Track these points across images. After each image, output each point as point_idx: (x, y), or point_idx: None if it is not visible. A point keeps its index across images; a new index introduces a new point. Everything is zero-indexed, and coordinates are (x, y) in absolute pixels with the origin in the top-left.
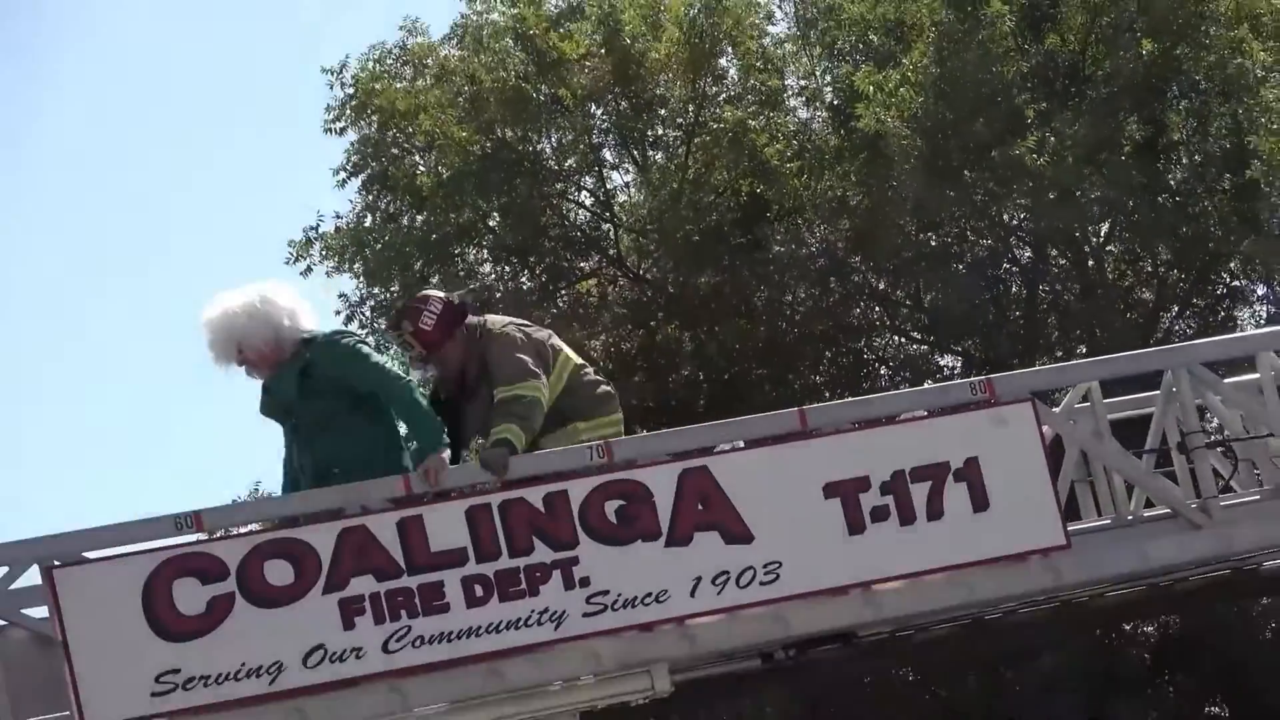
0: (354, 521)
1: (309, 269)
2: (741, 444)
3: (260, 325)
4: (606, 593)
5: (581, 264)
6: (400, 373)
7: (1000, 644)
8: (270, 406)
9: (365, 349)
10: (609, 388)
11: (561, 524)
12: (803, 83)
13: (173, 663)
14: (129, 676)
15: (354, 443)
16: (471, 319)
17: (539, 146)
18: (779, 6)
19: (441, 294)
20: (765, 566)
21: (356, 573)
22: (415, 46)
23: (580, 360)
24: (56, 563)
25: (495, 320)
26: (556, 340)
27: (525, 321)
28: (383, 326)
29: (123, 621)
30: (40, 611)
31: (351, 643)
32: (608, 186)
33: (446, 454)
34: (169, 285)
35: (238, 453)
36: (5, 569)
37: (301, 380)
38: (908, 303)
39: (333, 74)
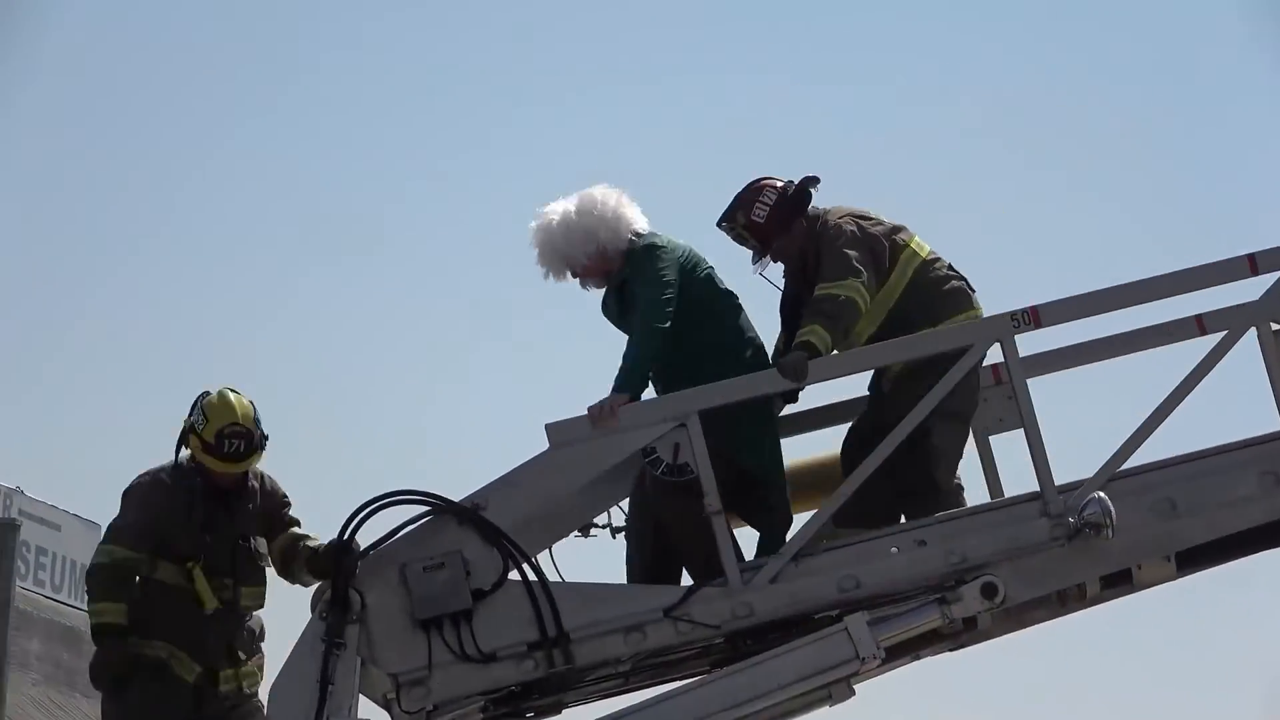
0: None
1: None
2: None
3: (580, 236)
4: None
5: None
6: (666, 300)
7: None
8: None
9: (662, 259)
10: (961, 282)
11: None
12: None
13: None
14: None
15: (677, 354)
16: (814, 208)
17: None
18: None
19: (779, 182)
20: None
21: None
22: None
23: (932, 253)
24: None
25: (835, 210)
26: (906, 233)
27: (867, 212)
28: (716, 221)
29: None
30: None
31: None
32: None
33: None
34: None
35: None
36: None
37: (619, 295)
38: None
39: None
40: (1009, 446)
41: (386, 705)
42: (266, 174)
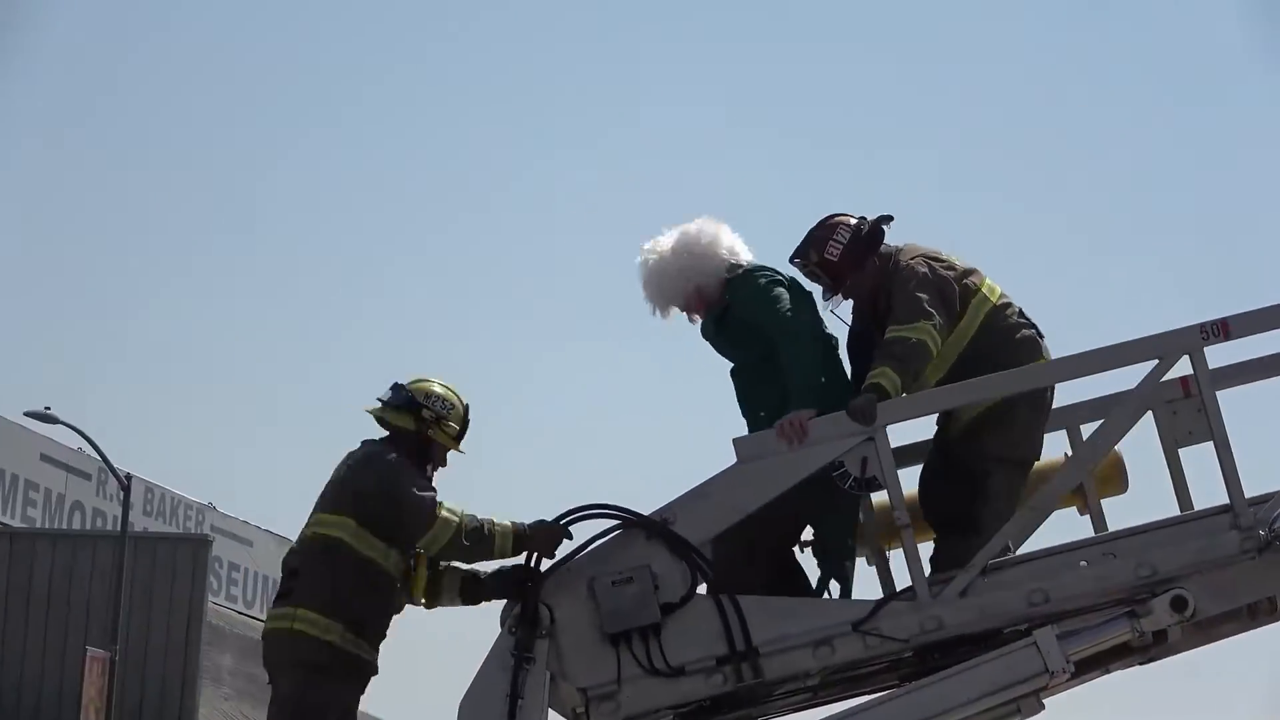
0: None
1: None
2: None
3: (675, 275)
4: None
5: None
6: (787, 311)
7: None
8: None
9: (778, 288)
10: (1033, 331)
11: None
12: None
13: None
14: None
15: (774, 390)
16: (886, 246)
17: None
18: None
19: (853, 219)
20: None
21: None
22: None
23: (1004, 298)
24: None
25: (908, 250)
26: (977, 276)
27: (940, 253)
28: (789, 257)
29: None
30: None
31: None
32: None
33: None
34: None
35: None
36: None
37: (719, 325)
38: None
39: None
40: (1199, 459)
41: (575, 719)
42: None
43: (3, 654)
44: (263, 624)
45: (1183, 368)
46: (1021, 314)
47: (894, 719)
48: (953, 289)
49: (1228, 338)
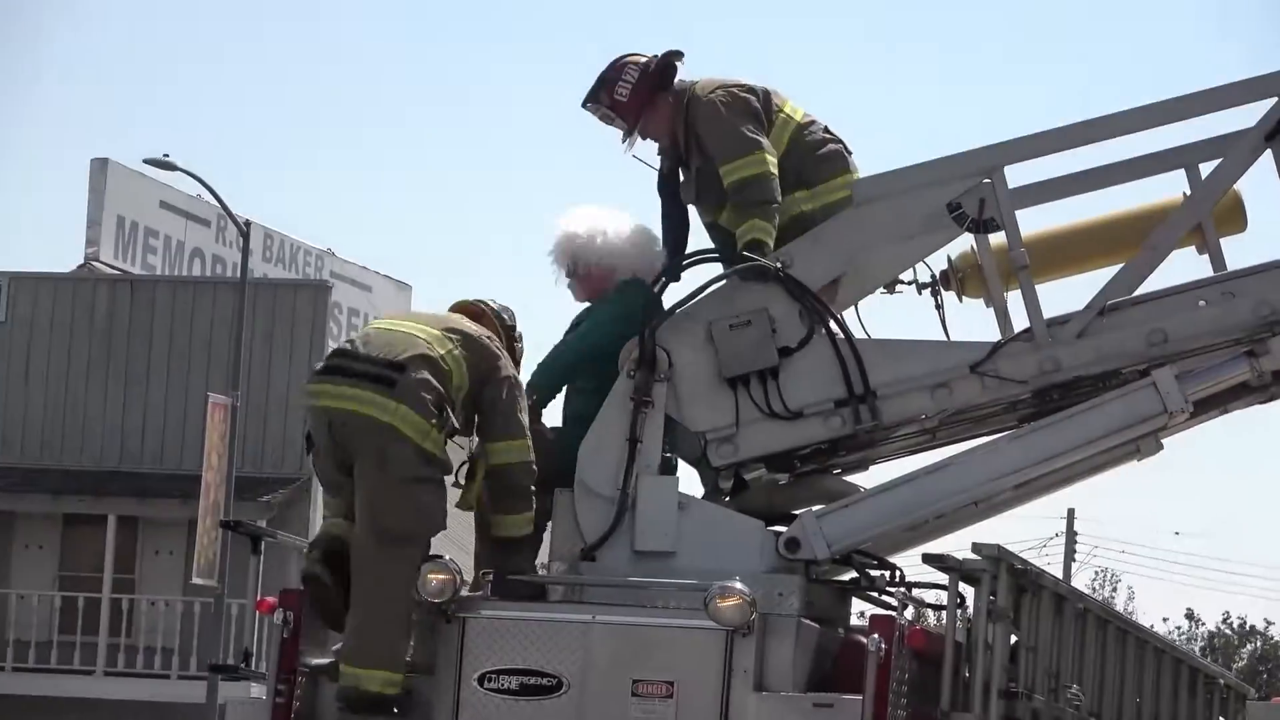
0: None
1: None
2: None
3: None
4: None
5: None
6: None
7: None
8: None
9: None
10: (839, 145)
11: None
12: None
13: None
14: None
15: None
16: (681, 82)
17: None
18: None
19: (642, 58)
20: None
21: None
22: None
23: (807, 116)
24: None
25: (705, 84)
26: (779, 98)
27: (739, 79)
28: (581, 103)
29: None
30: None
31: None
32: None
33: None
34: None
35: None
36: None
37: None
38: None
39: None
40: None
41: (694, 462)
42: None
43: (126, 399)
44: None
45: None
46: (827, 130)
47: (1013, 460)
48: (759, 111)
49: None
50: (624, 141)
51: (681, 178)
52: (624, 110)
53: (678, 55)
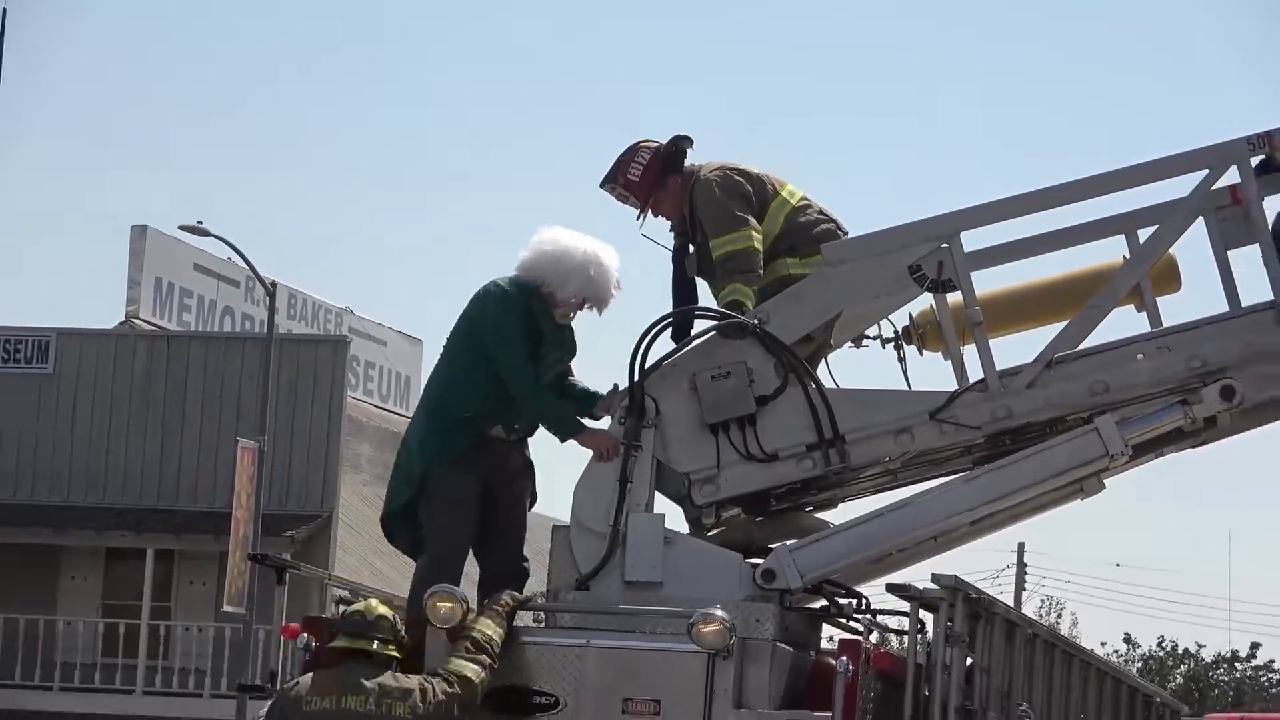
0: None
1: None
2: None
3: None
4: None
5: None
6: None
7: None
8: None
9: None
10: (831, 224)
11: None
12: None
13: None
14: None
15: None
16: (690, 165)
17: None
18: None
19: (654, 143)
20: None
21: None
22: None
23: (804, 200)
24: None
25: (707, 166)
26: (776, 182)
27: (737, 164)
28: (600, 184)
29: None
30: None
31: None
32: None
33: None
34: None
35: None
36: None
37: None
38: None
39: None
40: (1245, 260)
41: (679, 501)
42: None
43: (164, 443)
44: (398, 415)
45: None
46: (822, 211)
47: (969, 498)
48: (750, 193)
49: (1273, 149)
50: (638, 219)
51: (691, 252)
52: (636, 190)
53: (687, 141)
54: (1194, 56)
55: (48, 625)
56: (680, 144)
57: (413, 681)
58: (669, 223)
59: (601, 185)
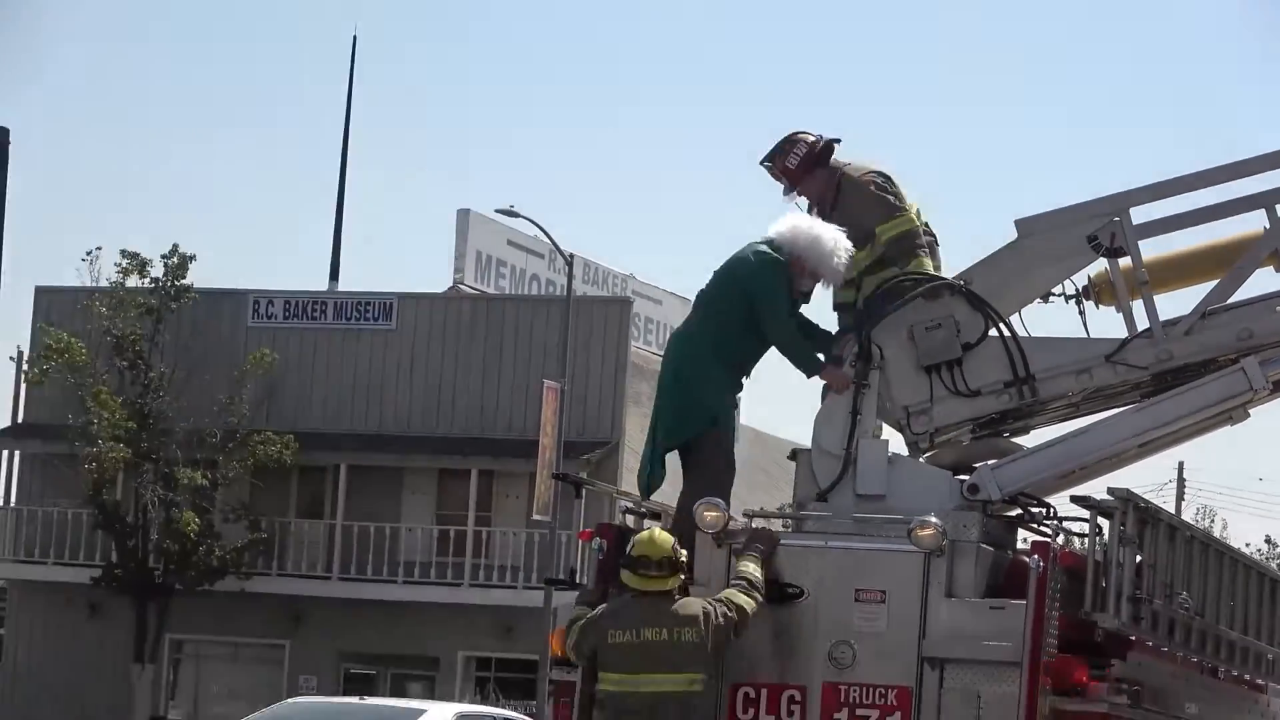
0: None
1: None
2: None
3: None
4: None
5: None
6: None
7: None
8: None
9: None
10: (931, 237)
11: None
12: None
13: None
14: None
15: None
16: (835, 161)
17: None
18: None
19: (811, 137)
20: None
21: None
22: None
23: (924, 224)
24: None
25: (856, 165)
26: (903, 195)
27: (884, 170)
28: (760, 160)
29: None
30: None
31: None
32: None
33: None
34: None
35: None
36: None
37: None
38: None
39: None
40: None
41: (899, 429)
42: None
43: (484, 385)
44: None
45: None
46: (927, 226)
47: (1138, 425)
48: (898, 189)
49: None
50: (784, 196)
51: None
52: (790, 175)
53: (836, 141)
54: None
55: (393, 531)
56: (832, 143)
57: (696, 607)
58: (806, 200)
59: (760, 162)
